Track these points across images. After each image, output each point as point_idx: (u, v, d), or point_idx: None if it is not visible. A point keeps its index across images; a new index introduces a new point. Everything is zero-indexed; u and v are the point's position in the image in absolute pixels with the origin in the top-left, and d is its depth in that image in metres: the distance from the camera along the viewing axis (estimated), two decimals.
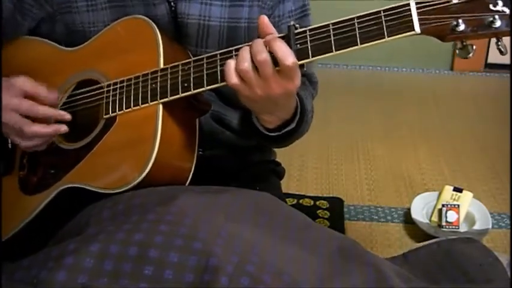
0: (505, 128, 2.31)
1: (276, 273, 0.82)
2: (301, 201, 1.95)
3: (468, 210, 1.83)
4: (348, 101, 2.72)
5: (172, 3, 1.07)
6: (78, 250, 0.81)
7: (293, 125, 1.02)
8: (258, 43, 0.90)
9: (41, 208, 1.04)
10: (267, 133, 1.02)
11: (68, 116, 1.03)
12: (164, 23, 1.07)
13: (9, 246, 1.05)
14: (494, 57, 2.99)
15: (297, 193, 2.00)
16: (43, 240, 0.93)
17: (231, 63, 0.91)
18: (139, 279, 0.79)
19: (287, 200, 1.84)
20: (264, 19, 0.93)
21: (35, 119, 1.01)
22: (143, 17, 1.04)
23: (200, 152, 1.09)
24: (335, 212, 1.89)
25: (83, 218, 0.92)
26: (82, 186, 1.00)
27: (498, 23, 0.85)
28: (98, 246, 0.81)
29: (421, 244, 1.18)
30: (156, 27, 1.02)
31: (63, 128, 1.02)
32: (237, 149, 1.21)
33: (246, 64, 0.89)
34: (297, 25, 0.92)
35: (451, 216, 1.78)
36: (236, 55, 0.93)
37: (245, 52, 0.90)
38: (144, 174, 0.95)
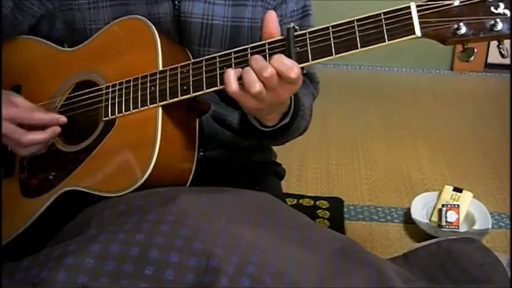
0: (505, 128, 2.31)
1: (276, 274, 0.82)
2: (301, 201, 1.95)
3: (468, 210, 1.83)
4: (348, 101, 2.73)
5: (176, 2, 1.06)
6: (79, 250, 0.81)
7: (287, 120, 1.01)
8: (259, 59, 0.88)
9: (42, 211, 1.03)
10: (263, 129, 1.01)
11: (63, 119, 1.04)
12: (166, 21, 1.06)
13: (10, 248, 1.04)
14: (494, 57, 2.99)
15: (297, 193, 2.00)
16: (44, 242, 0.93)
17: (231, 73, 0.89)
18: (140, 280, 0.79)
19: (287, 200, 1.84)
20: (272, 14, 0.91)
21: (31, 127, 1.01)
22: (141, 17, 1.04)
23: (201, 153, 1.09)
24: (335, 212, 1.90)
25: (83, 219, 0.92)
26: (83, 190, 1.00)
27: (500, 26, 0.83)
28: (98, 247, 0.81)
29: (421, 244, 1.18)
30: (154, 28, 1.01)
31: (57, 130, 1.04)
32: (237, 149, 1.21)
33: (258, 86, 0.87)
34: (297, 27, 0.90)
35: (451, 216, 1.78)
36: (235, 57, 0.92)
37: (252, 75, 0.87)
38: (145, 178, 0.94)
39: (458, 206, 1.80)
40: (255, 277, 0.79)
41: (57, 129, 1.04)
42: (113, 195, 0.95)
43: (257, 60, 0.89)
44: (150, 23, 1.02)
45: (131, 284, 0.79)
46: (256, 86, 0.87)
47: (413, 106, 2.69)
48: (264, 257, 0.83)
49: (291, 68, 0.87)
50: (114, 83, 1.02)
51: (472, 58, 0.87)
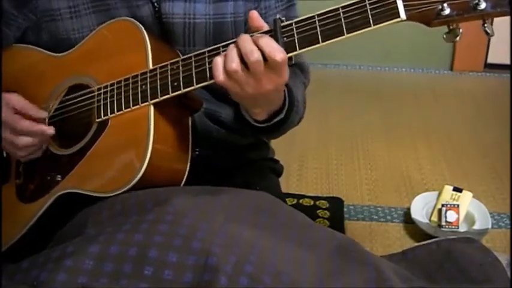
0: (505, 128, 2.31)
1: (275, 274, 0.82)
2: (301, 201, 1.95)
3: (468, 210, 1.83)
4: (347, 101, 2.72)
5: (155, 4, 1.06)
6: (78, 252, 0.82)
7: (282, 116, 1.02)
8: (247, 41, 0.89)
9: (40, 215, 1.04)
10: (257, 124, 1.02)
11: (51, 131, 1.04)
12: (149, 23, 1.06)
13: (9, 253, 1.05)
14: (494, 57, 2.99)
15: (297, 193, 2.00)
16: (43, 246, 0.93)
17: (218, 61, 0.90)
18: (139, 280, 0.79)
19: (287, 200, 1.84)
20: (254, 14, 0.92)
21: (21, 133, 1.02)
22: (130, 18, 1.04)
23: (196, 152, 1.09)
24: (335, 212, 1.90)
25: (81, 219, 0.92)
26: (78, 192, 1.00)
27: (483, 5, 0.84)
28: (97, 248, 0.81)
29: (421, 244, 1.18)
30: (143, 29, 1.02)
31: (50, 131, 1.04)
32: (232, 146, 1.21)
33: (234, 64, 0.88)
34: (283, 18, 0.91)
35: (451, 216, 1.78)
36: (224, 51, 0.93)
37: (232, 52, 0.89)
38: (139, 176, 0.94)
39: (458, 206, 1.80)
40: (254, 276, 0.80)
41: (50, 129, 1.04)
42: (108, 195, 0.95)
43: (245, 41, 0.89)
44: (139, 24, 1.02)
45: (131, 284, 0.79)
46: (233, 65, 0.88)
47: (413, 106, 2.69)
48: (262, 257, 0.84)
49: (276, 49, 0.87)
50: (106, 84, 1.03)
51: (457, 38, 0.88)
